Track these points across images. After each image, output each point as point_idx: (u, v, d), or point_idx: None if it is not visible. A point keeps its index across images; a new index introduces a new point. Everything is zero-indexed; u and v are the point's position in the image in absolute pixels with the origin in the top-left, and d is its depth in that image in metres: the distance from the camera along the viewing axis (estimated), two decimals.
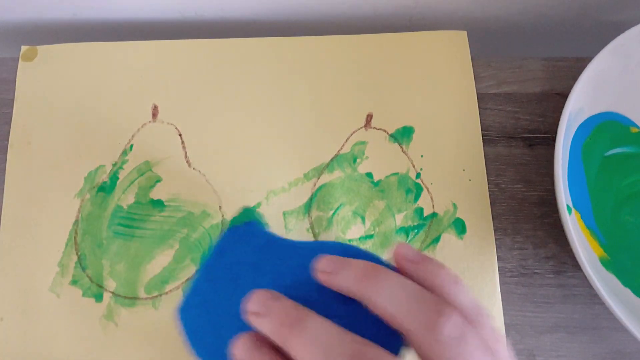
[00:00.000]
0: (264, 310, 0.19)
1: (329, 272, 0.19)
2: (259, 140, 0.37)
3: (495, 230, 0.35)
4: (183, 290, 0.33)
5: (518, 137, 0.37)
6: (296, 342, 0.17)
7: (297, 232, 0.34)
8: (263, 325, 0.18)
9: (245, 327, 0.19)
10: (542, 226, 0.35)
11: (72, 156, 0.36)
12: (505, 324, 0.33)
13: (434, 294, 0.18)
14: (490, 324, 0.19)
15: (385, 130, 0.37)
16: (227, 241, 0.25)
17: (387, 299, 0.17)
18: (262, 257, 0.23)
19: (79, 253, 0.34)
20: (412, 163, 0.36)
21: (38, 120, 0.37)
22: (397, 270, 0.20)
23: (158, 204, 0.35)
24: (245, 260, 0.23)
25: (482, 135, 0.37)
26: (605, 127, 0.35)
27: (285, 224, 0.34)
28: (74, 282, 0.33)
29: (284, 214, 0.35)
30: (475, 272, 0.34)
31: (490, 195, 0.35)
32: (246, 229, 0.25)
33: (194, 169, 0.36)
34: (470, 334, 0.17)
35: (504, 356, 0.18)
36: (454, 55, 0.39)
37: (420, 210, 0.35)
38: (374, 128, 0.37)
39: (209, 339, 0.21)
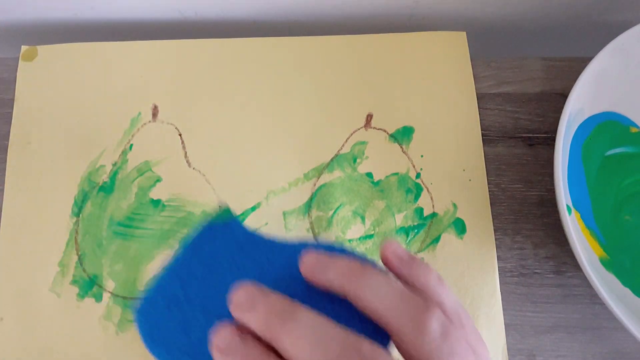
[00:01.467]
0: (251, 302, 0.18)
1: (316, 268, 0.19)
2: (259, 140, 0.37)
3: (495, 230, 0.35)
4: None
5: (518, 137, 0.37)
6: (287, 335, 0.17)
7: (297, 232, 0.34)
8: (250, 317, 0.18)
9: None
10: (542, 226, 0.35)
11: (72, 156, 0.36)
12: (505, 324, 0.33)
13: (419, 293, 0.19)
14: (473, 324, 0.19)
15: (385, 130, 0.37)
16: (202, 238, 0.23)
17: (374, 295, 0.18)
18: (242, 254, 0.22)
19: (79, 253, 0.34)
20: (412, 163, 0.36)
21: (38, 120, 0.37)
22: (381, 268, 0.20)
23: (158, 204, 0.35)
24: (223, 257, 0.22)
25: (482, 135, 0.37)
26: (605, 127, 0.35)
27: (285, 224, 0.34)
28: (74, 282, 0.33)
29: (284, 214, 0.35)
30: (475, 272, 0.34)
31: (490, 195, 0.35)
32: (225, 228, 0.23)
33: (194, 169, 0.36)
34: (454, 331, 0.17)
35: (485, 356, 0.19)
36: (453, 55, 0.39)
37: (420, 210, 0.35)
38: (374, 128, 0.37)
39: (176, 340, 0.20)
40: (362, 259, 0.20)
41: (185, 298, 0.21)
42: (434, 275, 0.20)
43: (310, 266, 0.19)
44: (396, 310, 0.17)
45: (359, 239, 0.34)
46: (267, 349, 0.17)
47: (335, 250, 0.21)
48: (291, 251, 0.21)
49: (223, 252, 0.22)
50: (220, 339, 0.18)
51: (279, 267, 0.21)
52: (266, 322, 0.17)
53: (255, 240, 0.23)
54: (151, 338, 0.20)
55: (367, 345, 0.16)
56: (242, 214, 0.35)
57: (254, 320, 0.18)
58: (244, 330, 0.18)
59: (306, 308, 0.17)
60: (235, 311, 0.18)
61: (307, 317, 0.17)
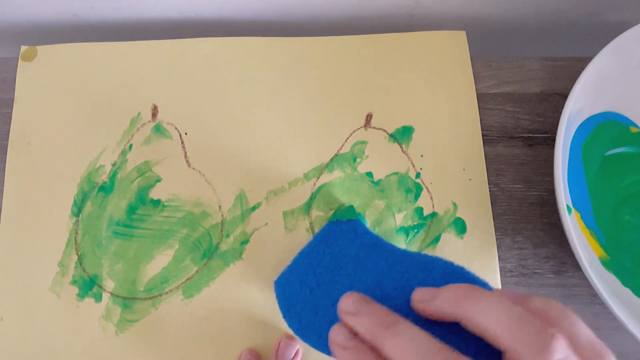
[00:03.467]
0: (357, 310, 0.20)
1: (425, 297, 0.20)
2: (258, 140, 0.37)
3: (495, 230, 0.35)
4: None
5: (518, 137, 0.37)
6: (391, 341, 0.18)
7: (297, 232, 0.34)
8: (357, 322, 0.20)
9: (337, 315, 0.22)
10: (542, 226, 0.35)
11: (71, 156, 0.36)
12: None
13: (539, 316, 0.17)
14: None
15: (385, 130, 0.37)
16: (330, 232, 0.27)
17: (489, 317, 0.17)
18: (366, 255, 0.25)
19: (79, 253, 0.34)
20: (412, 163, 0.36)
21: (38, 120, 0.37)
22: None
23: (158, 204, 0.35)
24: (348, 252, 0.25)
25: (482, 135, 0.37)
26: (605, 127, 0.35)
27: (285, 224, 0.34)
28: (74, 282, 0.33)
29: (283, 214, 0.35)
30: (476, 272, 0.33)
31: (490, 195, 0.35)
32: (349, 225, 0.27)
33: (193, 169, 0.36)
34: None
35: None
36: (453, 55, 0.39)
37: (420, 210, 0.35)
38: (374, 128, 0.37)
39: (304, 315, 0.24)
40: (480, 284, 0.21)
41: (315, 283, 0.24)
42: (557, 304, 0.18)
43: (419, 297, 0.20)
44: (513, 331, 0.16)
45: None
46: (373, 350, 0.19)
47: (456, 272, 0.22)
48: (412, 264, 0.23)
49: (348, 247, 0.26)
50: (338, 336, 0.20)
51: (397, 277, 0.23)
52: (371, 327, 0.19)
53: (377, 243, 0.25)
54: (287, 309, 0.25)
55: None
56: (242, 214, 0.35)
57: (360, 324, 0.19)
58: (353, 332, 0.20)
59: (407, 321, 0.18)
60: (343, 315, 0.21)
61: (409, 328, 0.18)
